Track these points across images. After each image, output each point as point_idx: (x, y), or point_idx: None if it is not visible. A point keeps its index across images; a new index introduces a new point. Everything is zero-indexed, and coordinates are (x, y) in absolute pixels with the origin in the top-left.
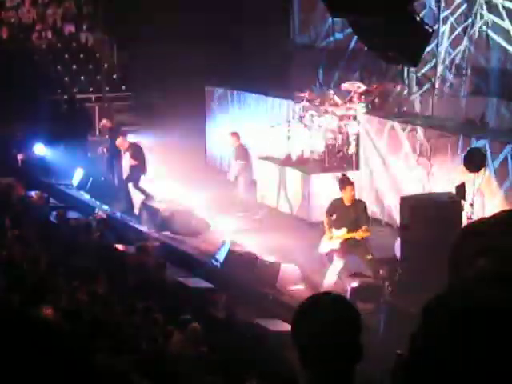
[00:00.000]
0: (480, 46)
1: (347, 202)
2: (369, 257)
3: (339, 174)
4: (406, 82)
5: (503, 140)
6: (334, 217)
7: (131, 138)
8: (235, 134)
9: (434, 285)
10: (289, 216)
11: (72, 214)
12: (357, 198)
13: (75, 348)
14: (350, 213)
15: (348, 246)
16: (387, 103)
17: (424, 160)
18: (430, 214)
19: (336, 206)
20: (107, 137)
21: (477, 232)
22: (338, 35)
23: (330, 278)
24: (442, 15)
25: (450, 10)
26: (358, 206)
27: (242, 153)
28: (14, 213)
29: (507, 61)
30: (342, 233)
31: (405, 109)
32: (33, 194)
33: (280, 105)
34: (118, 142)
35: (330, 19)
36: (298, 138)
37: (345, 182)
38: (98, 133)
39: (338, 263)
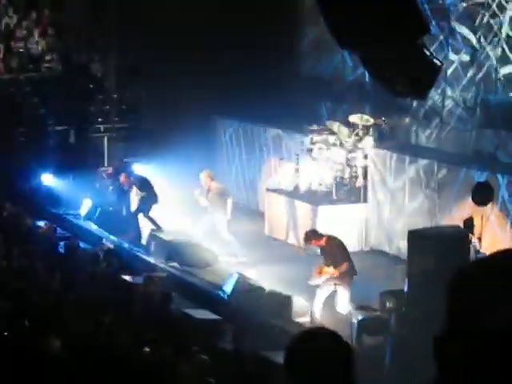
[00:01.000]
0: (488, 80)
1: (322, 246)
2: (345, 286)
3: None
4: (414, 115)
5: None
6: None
7: (139, 167)
8: (208, 174)
9: (440, 318)
10: (296, 248)
11: (79, 245)
12: (331, 235)
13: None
14: (329, 252)
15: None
16: (395, 136)
17: (432, 193)
18: (437, 248)
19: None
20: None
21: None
22: (347, 68)
23: (318, 308)
24: (451, 49)
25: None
26: (333, 244)
27: (218, 193)
28: (22, 242)
29: None
30: (331, 271)
31: (412, 142)
32: (41, 224)
33: (288, 137)
34: (122, 179)
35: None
36: (306, 171)
37: (309, 238)
38: (105, 165)
39: (322, 292)
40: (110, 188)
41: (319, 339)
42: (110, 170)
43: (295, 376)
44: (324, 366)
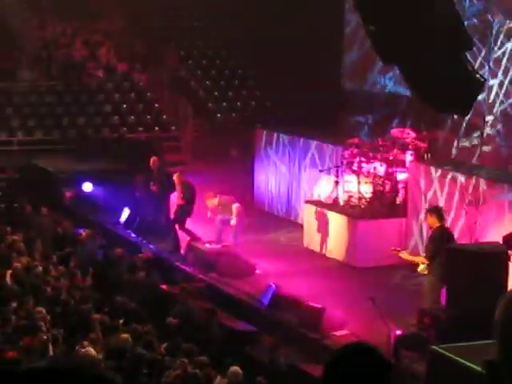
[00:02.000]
0: None
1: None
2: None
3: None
4: (455, 130)
5: None
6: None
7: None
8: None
9: (479, 334)
10: (335, 261)
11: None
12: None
13: None
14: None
15: None
16: (436, 151)
17: (472, 209)
18: (476, 264)
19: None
20: (156, 174)
21: None
22: (389, 81)
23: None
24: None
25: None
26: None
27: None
28: (62, 249)
29: None
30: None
31: (453, 157)
32: (82, 231)
33: (329, 149)
34: (176, 176)
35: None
36: (346, 184)
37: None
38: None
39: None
40: (151, 184)
41: (360, 355)
42: (158, 162)
43: None
44: (364, 382)
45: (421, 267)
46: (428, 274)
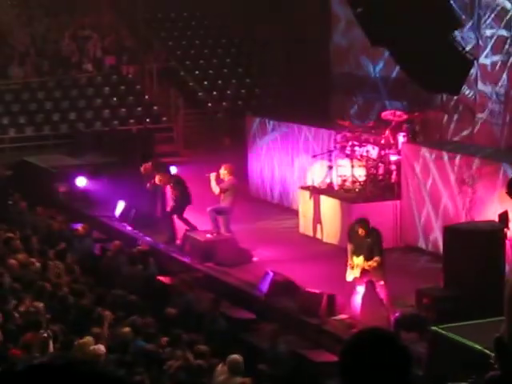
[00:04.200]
0: None
1: (361, 234)
2: (382, 283)
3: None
4: (446, 110)
5: None
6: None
7: (174, 168)
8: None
9: (479, 313)
10: (331, 245)
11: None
12: (371, 227)
13: None
14: (366, 241)
15: (366, 273)
16: (428, 131)
17: (466, 188)
18: (473, 243)
19: (352, 235)
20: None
21: None
22: (379, 64)
23: (357, 305)
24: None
25: (490, 39)
26: (372, 235)
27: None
28: (58, 245)
29: None
30: (360, 261)
31: (445, 137)
32: (77, 226)
33: (321, 134)
34: (157, 178)
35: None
36: (339, 168)
37: (354, 226)
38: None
39: (360, 289)
40: (148, 185)
41: (379, 343)
42: (149, 167)
43: (352, 381)
44: (383, 371)
45: (353, 272)
46: (376, 277)
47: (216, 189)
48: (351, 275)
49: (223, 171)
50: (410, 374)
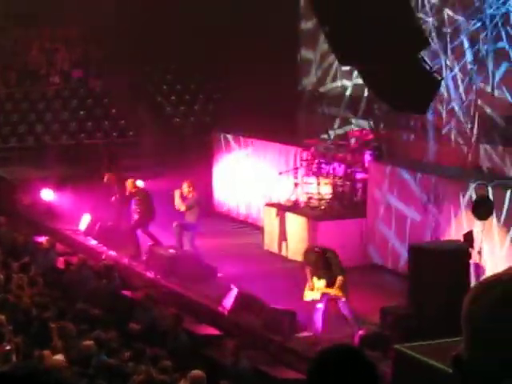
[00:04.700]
0: (485, 94)
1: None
2: (344, 299)
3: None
4: (414, 129)
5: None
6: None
7: (139, 182)
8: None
9: (442, 332)
10: (295, 262)
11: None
12: (325, 248)
13: None
14: (323, 264)
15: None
16: (394, 150)
17: (432, 207)
18: (438, 262)
19: (309, 258)
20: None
21: (494, 284)
22: (346, 82)
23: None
24: (449, 63)
25: (456, 60)
26: (330, 257)
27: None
28: (21, 257)
29: None
30: (322, 285)
31: (412, 156)
32: (41, 239)
33: (288, 151)
34: (128, 184)
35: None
36: (305, 185)
37: (307, 252)
38: (105, 180)
39: (320, 306)
40: (112, 198)
41: (345, 359)
42: (112, 177)
43: None
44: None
45: (313, 294)
46: (338, 295)
47: (181, 206)
48: (310, 296)
49: (186, 188)
50: None
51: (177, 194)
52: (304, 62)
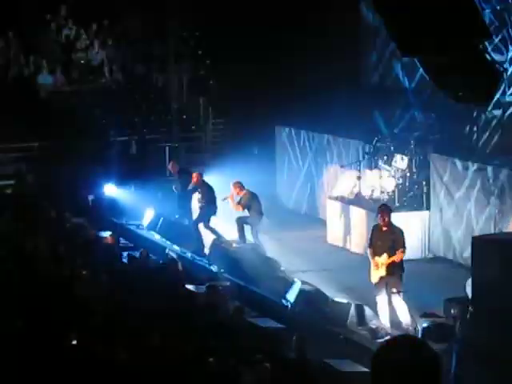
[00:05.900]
0: None
1: (384, 228)
2: (394, 290)
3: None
4: (475, 121)
5: None
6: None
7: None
8: (238, 184)
9: (506, 324)
10: (359, 256)
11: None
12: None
13: None
14: (388, 238)
15: (383, 278)
16: (457, 143)
17: (494, 199)
18: (501, 254)
19: (374, 233)
20: (177, 177)
21: None
22: (407, 76)
23: (385, 315)
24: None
25: None
26: (395, 231)
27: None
28: (85, 253)
29: None
30: (384, 259)
31: (474, 148)
32: (105, 234)
33: (350, 145)
34: (194, 176)
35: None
36: (368, 178)
37: (381, 208)
38: (168, 173)
39: (383, 299)
40: (173, 187)
41: (410, 349)
42: (176, 167)
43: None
44: (414, 376)
45: (379, 272)
46: (397, 287)
47: (239, 208)
48: (376, 275)
49: (234, 190)
50: (439, 376)
51: (229, 200)
52: (365, 58)
